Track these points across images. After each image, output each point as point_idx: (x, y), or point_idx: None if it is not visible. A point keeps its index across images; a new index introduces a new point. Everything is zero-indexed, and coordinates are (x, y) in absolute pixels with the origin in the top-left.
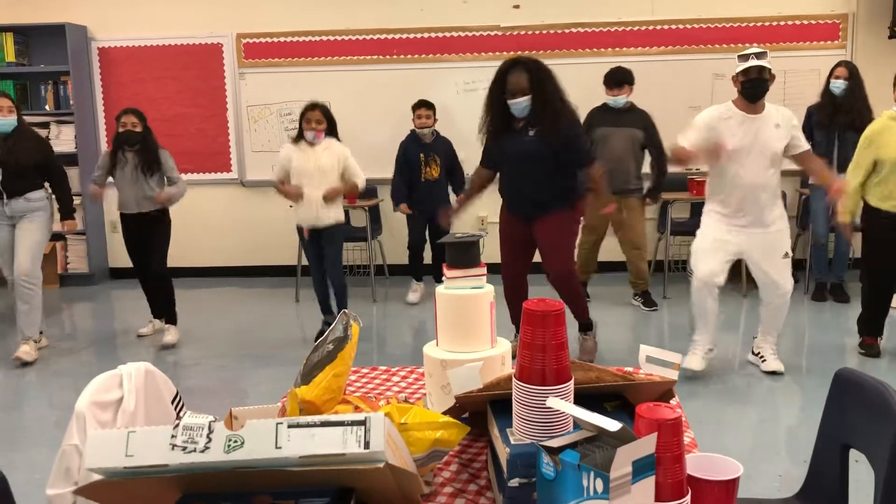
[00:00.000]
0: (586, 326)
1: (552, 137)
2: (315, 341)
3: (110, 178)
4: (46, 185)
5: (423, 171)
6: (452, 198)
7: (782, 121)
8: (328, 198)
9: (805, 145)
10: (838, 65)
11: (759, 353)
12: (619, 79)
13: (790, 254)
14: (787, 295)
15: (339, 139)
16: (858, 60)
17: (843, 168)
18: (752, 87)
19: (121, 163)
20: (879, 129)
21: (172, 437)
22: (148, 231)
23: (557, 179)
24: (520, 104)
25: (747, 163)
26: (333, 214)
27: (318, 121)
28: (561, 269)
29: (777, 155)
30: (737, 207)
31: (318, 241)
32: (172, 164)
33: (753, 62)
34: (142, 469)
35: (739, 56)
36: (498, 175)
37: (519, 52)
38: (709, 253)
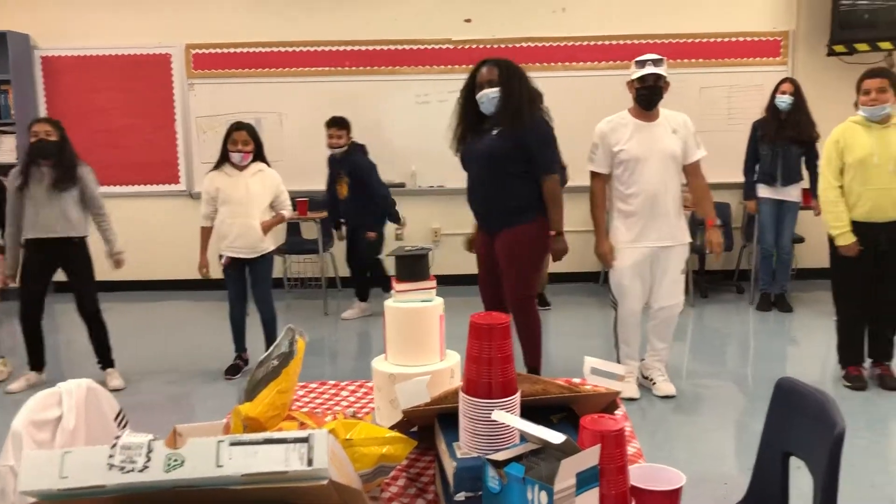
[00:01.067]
0: (535, 371)
1: (514, 135)
2: (225, 376)
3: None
4: None
5: (336, 188)
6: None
7: (679, 126)
8: (265, 231)
9: (697, 156)
10: (783, 81)
11: (648, 376)
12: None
13: (685, 269)
14: (677, 308)
15: (267, 162)
16: (798, 77)
17: (787, 180)
18: (648, 94)
19: (35, 178)
20: (844, 129)
21: (110, 456)
22: (69, 262)
23: (522, 186)
24: (487, 95)
25: (647, 171)
26: (266, 244)
27: (244, 142)
28: (514, 297)
29: (676, 159)
30: (641, 215)
31: (243, 272)
32: (93, 184)
33: (650, 69)
34: (78, 491)
35: (636, 62)
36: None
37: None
38: (630, 285)
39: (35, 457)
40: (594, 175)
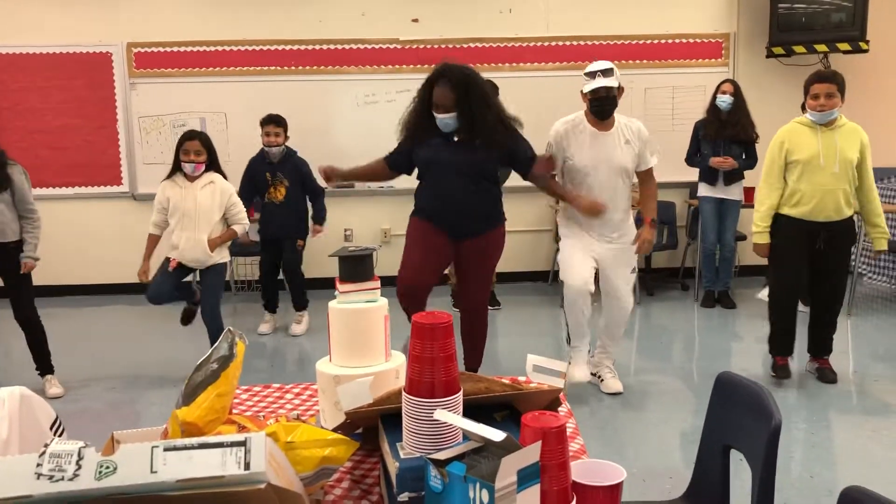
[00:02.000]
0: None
1: (497, 148)
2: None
3: None
4: None
5: (267, 192)
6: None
7: (632, 136)
8: (213, 248)
9: (649, 164)
10: (724, 82)
11: (596, 373)
12: None
13: (636, 269)
14: (628, 308)
15: (222, 173)
16: (739, 78)
17: (729, 179)
18: (600, 105)
19: None
20: (790, 130)
21: (38, 465)
22: (3, 266)
23: (495, 191)
24: (444, 120)
25: (596, 179)
26: (219, 254)
27: (196, 152)
28: (480, 301)
29: (626, 171)
30: (588, 227)
31: (182, 276)
32: (24, 186)
33: (600, 81)
34: (3, 501)
35: (586, 73)
36: (419, 189)
37: (445, 60)
38: (575, 262)
39: None
40: None
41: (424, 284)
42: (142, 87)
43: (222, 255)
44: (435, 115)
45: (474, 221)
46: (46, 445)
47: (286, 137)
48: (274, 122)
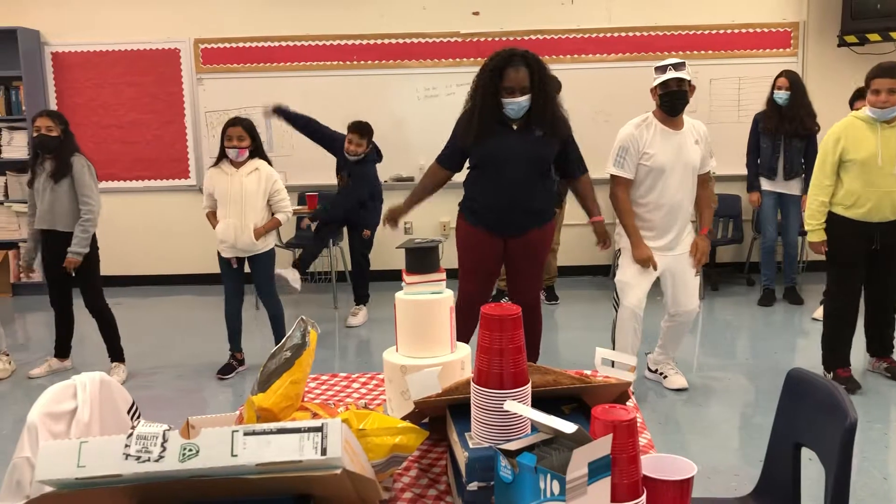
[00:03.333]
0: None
1: (557, 140)
2: (219, 376)
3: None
4: None
5: (338, 176)
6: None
7: (700, 137)
8: (258, 237)
9: (710, 167)
10: (780, 75)
11: (657, 369)
12: None
13: (699, 272)
14: (694, 313)
15: (267, 160)
16: (809, 68)
17: (789, 174)
18: (671, 100)
19: (39, 171)
20: (846, 125)
21: (126, 446)
22: (64, 257)
23: (549, 186)
24: (518, 104)
25: (672, 179)
26: (266, 241)
27: (239, 137)
28: (533, 297)
29: (696, 171)
30: (660, 227)
31: (242, 268)
32: (84, 177)
33: (671, 74)
34: (94, 480)
35: (657, 68)
36: (473, 182)
37: (515, 48)
38: (634, 285)
39: (53, 446)
40: (618, 180)
41: (474, 301)
42: (208, 83)
43: (268, 243)
44: (505, 101)
45: (528, 216)
46: (133, 427)
47: (368, 148)
48: (358, 131)
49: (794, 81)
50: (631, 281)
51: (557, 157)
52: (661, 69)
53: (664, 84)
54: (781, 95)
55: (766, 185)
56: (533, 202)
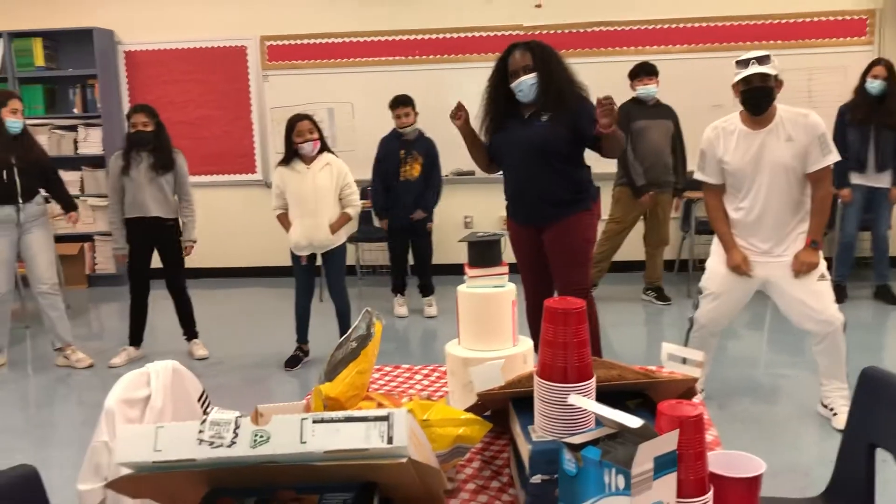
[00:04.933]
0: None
1: (565, 120)
2: (286, 367)
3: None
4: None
5: (402, 170)
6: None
7: (796, 132)
8: (334, 231)
9: (821, 164)
10: (876, 63)
11: (828, 405)
12: (648, 69)
13: (827, 276)
14: (834, 324)
15: (334, 153)
16: (886, 56)
17: (881, 167)
18: (754, 97)
19: (135, 161)
20: None
21: (200, 432)
22: (162, 240)
23: (572, 173)
24: (524, 83)
25: (760, 183)
26: (338, 236)
27: (309, 130)
28: (579, 290)
29: (793, 171)
30: (755, 236)
31: (314, 264)
32: (186, 172)
33: (754, 68)
34: (170, 463)
35: (738, 62)
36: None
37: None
38: (716, 292)
39: (131, 431)
40: (706, 186)
41: (534, 296)
42: (274, 79)
43: (340, 238)
44: (513, 86)
45: (550, 206)
46: (207, 414)
47: (416, 114)
48: (403, 103)
49: (890, 71)
50: (714, 288)
51: (582, 139)
52: (743, 63)
53: (746, 80)
54: (876, 85)
55: (854, 178)
56: (548, 191)
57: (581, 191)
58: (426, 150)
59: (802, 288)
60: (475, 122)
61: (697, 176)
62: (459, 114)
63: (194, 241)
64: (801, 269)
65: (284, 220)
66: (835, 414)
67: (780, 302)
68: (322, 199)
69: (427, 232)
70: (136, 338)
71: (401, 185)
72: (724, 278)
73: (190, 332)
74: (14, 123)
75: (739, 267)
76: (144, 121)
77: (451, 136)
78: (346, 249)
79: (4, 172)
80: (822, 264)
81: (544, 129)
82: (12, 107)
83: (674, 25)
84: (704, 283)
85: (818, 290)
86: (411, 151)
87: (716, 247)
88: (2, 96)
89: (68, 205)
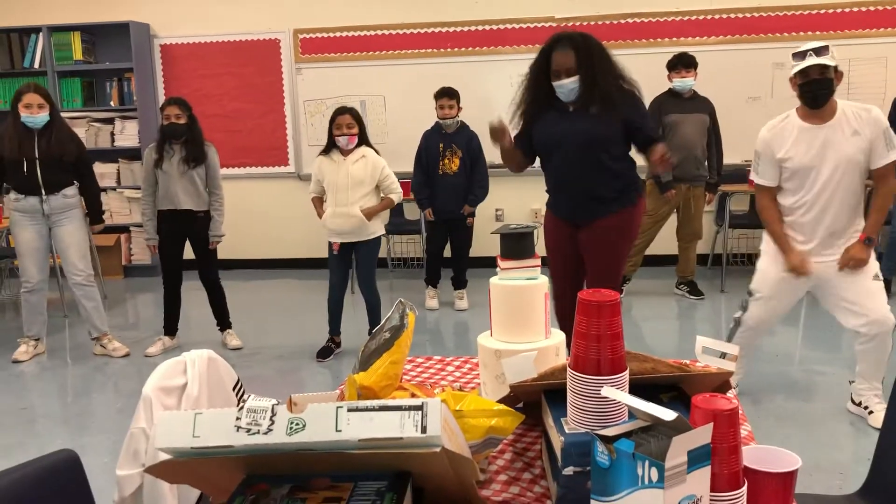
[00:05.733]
0: None
1: (614, 116)
2: (318, 358)
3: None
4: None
5: (440, 163)
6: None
7: (861, 126)
8: (369, 217)
9: (887, 159)
10: None
11: (861, 402)
12: (687, 61)
13: (880, 275)
14: (886, 325)
15: (372, 146)
16: None
17: None
18: (812, 90)
19: (168, 154)
20: None
21: (237, 419)
22: (194, 233)
23: (619, 168)
24: (566, 86)
25: (818, 182)
26: (374, 227)
27: (348, 125)
28: (610, 285)
29: (857, 166)
30: (811, 235)
31: (349, 256)
32: (217, 165)
33: (812, 60)
34: (208, 449)
35: (794, 54)
36: (543, 167)
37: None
38: (767, 296)
39: (169, 417)
40: (759, 188)
41: (564, 296)
42: (306, 72)
43: (377, 228)
44: (555, 84)
45: (594, 202)
46: (244, 401)
47: (459, 109)
48: (447, 95)
49: None
50: (766, 292)
51: (629, 135)
52: (800, 55)
53: (803, 72)
54: None
55: None
56: (595, 187)
57: (626, 187)
58: (467, 143)
59: (856, 287)
60: (510, 107)
61: (753, 178)
62: (502, 137)
63: (221, 237)
64: (849, 263)
65: (318, 204)
66: (870, 412)
67: (830, 301)
68: (354, 191)
69: (468, 226)
70: (170, 328)
71: (440, 178)
72: (777, 281)
73: (224, 322)
74: (29, 118)
75: (798, 268)
76: (177, 113)
77: (482, 129)
78: (381, 243)
79: (25, 165)
80: (875, 264)
81: (592, 123)
82: (25, 102)
83: (710, 17)
84: (755, 286)
85: (872, 290)
86: (450, 145)
87: (766, 246)
88: (17, 92)
89: (94, 214)
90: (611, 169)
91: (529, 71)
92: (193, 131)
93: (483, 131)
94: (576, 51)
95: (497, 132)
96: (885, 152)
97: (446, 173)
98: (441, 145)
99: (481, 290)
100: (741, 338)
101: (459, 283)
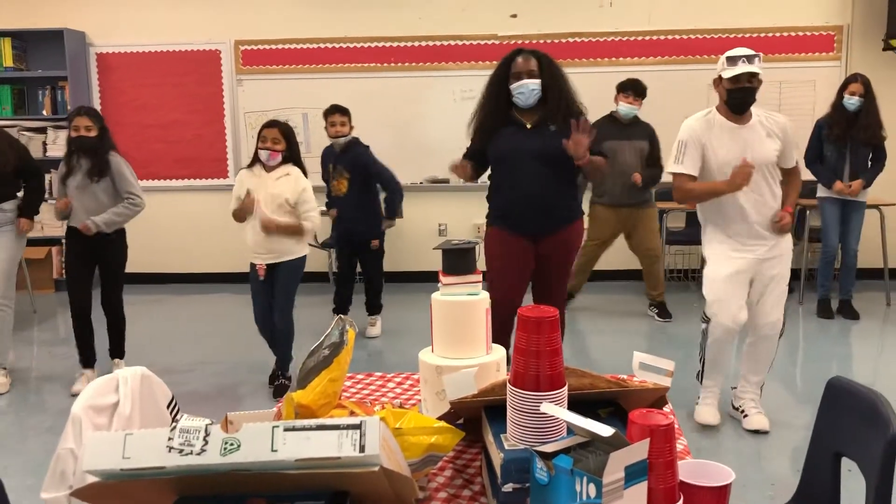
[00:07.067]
0: None
1: (569, 130)
2: (269, 384)
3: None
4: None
5: (331, 185)
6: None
7: (776, 129)
8: (265, 228)
9: (793, 161)
10: (853, 80)
11: (740, 406)
12: (640, 89)
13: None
14: (777, 328)
15: (302, 167)
16: (853, 72)
17: (854, 180)
18: (741, 96)
19: (74, 169)
20: None
21: (169, 439)
22: (100, 252)
23: (573, 184)
24: (527, 86)
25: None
26: (293, 248)
27: (274, 139)
28: (563, 300)
29: (773, 165)
30: (741, 232)
31: (268, 278)
32: (123, 170)
33: (744, 67)
34: (139, 471)
35: (728, 58)
36: (492, 180)
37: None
38: (726, 297)
39: (98, 438)
40: (679, 177)
41: (518, 303)
42: (248, 84)
43: (298, 250)
44: (513, 88)
45: (554, 216)
46: (176, 421)
47: (351, 127)
48: (339, 111)
49: (867, 88)
50: (722, 296)
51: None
52: (733, 60)
53: (735, 78)
54: (854, 101)
55: (829, 192)
56: (553, 201)
57: (578, 199)
58: (352, 162)
59: (774, 292)
60: (469, 119)
61: (673, 168)
62: (463, 172)
63: (94, 225)
64: (782, 225)
65: (238, 215)
66: (745, 416)
67: (755, 300)
68: (275, 207)
69: (373, 249)
70: (87, 360)
71: (334, 200)
72: (724, 280)
73: (117, 351)
74: None
75: (742, 170)
76: (88, 125)
77: (426, 143)
78: (303, 265)
79: None
80: (788, 274)
81: (553, 140)
82: None
83: (647, 38)
84: (707, 292)
85: (781, 294)
86: (337, 166)
87: (708, 251)
88: None
89: (28, 210)
90: (569, 184)
91: (489, 82)
92: (104, 144)
93: (426, 145)
94: (538, 59)
95: (457, 169)
96: (793, 153)
97: (337, 195)
98: (331, 166)
99: (424, 307)
100: (711, 350)
101: (372, 309)
